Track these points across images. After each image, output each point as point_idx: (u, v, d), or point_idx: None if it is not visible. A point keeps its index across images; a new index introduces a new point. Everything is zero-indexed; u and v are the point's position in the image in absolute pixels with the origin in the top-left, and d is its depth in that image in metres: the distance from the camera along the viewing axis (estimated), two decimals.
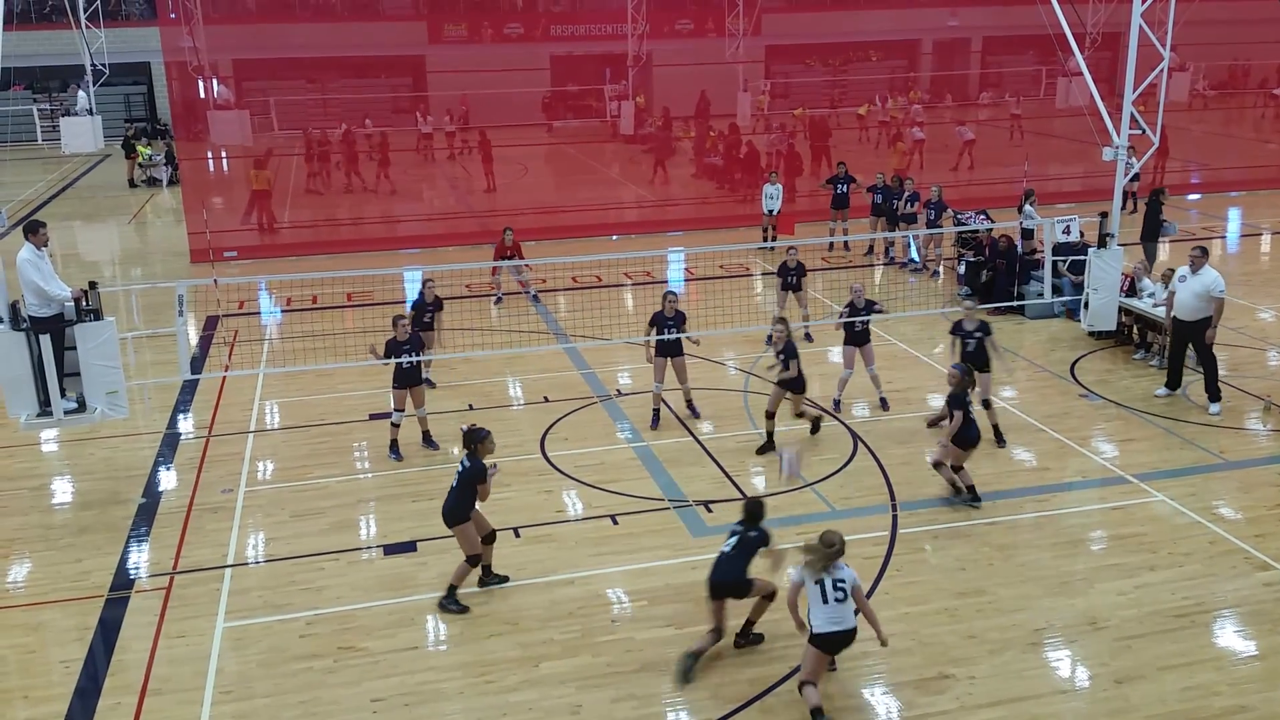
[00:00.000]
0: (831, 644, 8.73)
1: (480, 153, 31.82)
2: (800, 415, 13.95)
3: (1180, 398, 15.01)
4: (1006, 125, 38.95)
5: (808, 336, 17.76)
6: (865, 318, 14.89)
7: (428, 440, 13.90)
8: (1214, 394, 14.62)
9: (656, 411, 14.60)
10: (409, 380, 13.53)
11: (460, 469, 10.33)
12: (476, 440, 10.30)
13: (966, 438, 12.11)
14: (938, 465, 12.40)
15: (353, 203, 30.45)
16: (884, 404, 15.08)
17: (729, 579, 9.30)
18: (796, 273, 17.52)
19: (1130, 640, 9.67)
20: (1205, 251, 14.59)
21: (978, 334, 13.78)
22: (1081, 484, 12.77)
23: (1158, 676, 9.18)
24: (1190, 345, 14.74)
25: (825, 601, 8.61)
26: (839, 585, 8.62)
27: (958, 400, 12.00)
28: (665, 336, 14.21)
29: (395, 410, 13.68)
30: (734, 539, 9.42)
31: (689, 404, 14.75)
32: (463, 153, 36.61)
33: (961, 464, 12.23)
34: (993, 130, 39.27)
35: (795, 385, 13.55)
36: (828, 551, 8.61)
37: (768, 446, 13.67)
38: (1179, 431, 14.06)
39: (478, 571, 10.65)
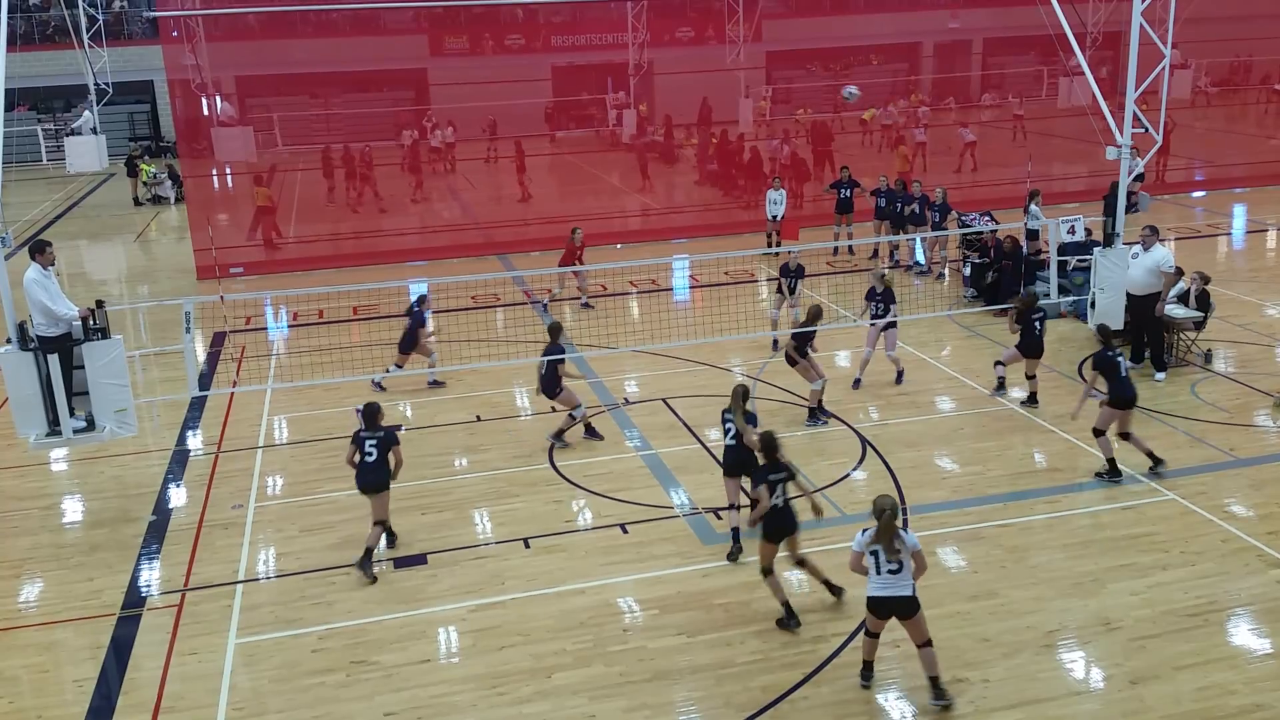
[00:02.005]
0: (880, 607, 8.83)
1: (516, 163, 31.94)
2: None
3: (1193, 397, 14.97)
4: (1009, 126, 38.93)
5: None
6: (881, 306, 15.58)
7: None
8: (1160, 364, 15.76)
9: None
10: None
11: (374, 442, 11.25)
12: (376, 413, 11.42)
13: (1122, 398, 12.43)
14: (1097, 433, 12.72)
15: (357, 217, 30.49)
16: (899, 378, 15.99)
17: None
18: (797, 274, 17.77)
19: (1144, 640, 9.64)
20: (1155, 230, 15.77)
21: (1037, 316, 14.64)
22: (1092, 484, 12.73)
23: (1172, 676, 9.15)
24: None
25: (879, 572, 8.75)
26: (894, 555, 8.70)
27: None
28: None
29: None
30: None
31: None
32: (489, 161, 36.86)
33: (1128, 429, 12.61)
34: (996, 131, 39.28)
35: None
36: (881, 521, 8.73)
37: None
38: (1189, 430, 14.02)
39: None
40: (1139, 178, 22.24)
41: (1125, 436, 12.65)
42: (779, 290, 17.91)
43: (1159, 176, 28.77)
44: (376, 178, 31.56)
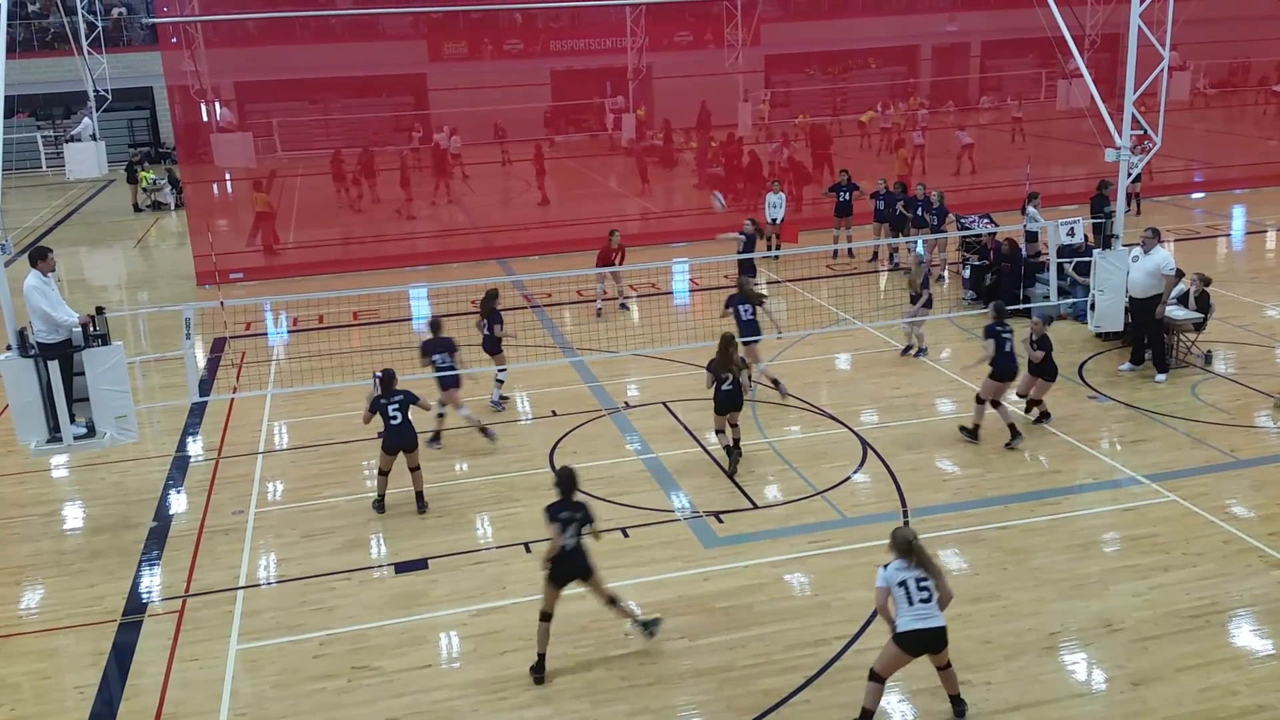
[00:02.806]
0: (916, 641, 8.33)
1: (535, 166, 31.90)
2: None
3: (1193, 398, 14.97)
4: (1008, 129, 38.95)
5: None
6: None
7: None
8: (1161, 365, 15.76)
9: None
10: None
11: (396, 406, 12.37)
12: (393, 378, 12.53)
13: (1004, 370, 13.69)
14: (979, 400, 13.91)
15: (357, 222, 30.51)
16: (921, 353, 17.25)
17: None
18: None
19: (1146, 642, 9.64)
20: (1156, 233, 15.71)
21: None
22: (1093, 486, 12.73)
23: (1175, 678, 9.14)
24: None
25: (911, 603, 8.32)
26: (923, 585, 8.32)
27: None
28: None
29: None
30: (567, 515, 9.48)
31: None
32: (503, 165, 36.92)
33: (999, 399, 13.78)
34: (995, 134, 39.29)
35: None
36: (915, 548, 8.37)
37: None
38: (1189, 431, 14.02)
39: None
40: (1137, 179, 22.27)
41: (996, 405, 13.79)
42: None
43: (1150, 178, 28.78)
44: (393, 182, 31.49)
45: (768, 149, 32.27)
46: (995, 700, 8.95)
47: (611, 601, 9.74)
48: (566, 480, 9.57)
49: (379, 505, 12.81)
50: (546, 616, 9.48)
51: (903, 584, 8.35)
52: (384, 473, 12.79)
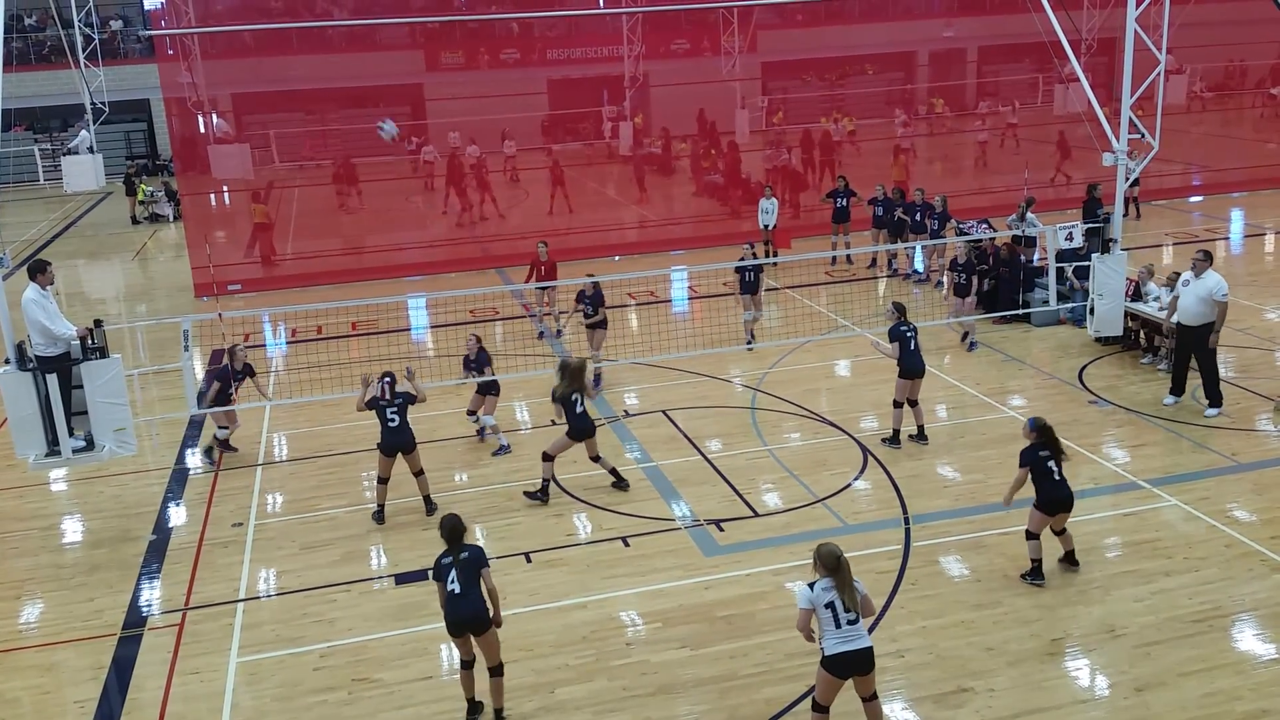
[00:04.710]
0: (844, 665, 8.03)
1: (551, 176, 31.36)
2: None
3: (1192, 402, 14.94)
4: (1007, 134, 38.93)
5: (749, 345, 18.23)
6: (964, 275, 17.57)
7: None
8: (1214, 399, 14.57)
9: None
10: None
11: (395, 410, 12.57)
12: (394, 382, 12.75)
13: (910, 369, 13.99)
14: (896, 404, 14.12)
15: (355, 233, 30.51)
16: (971, 344, 17.58)
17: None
18: (753, 270, 18.14)
19: (1149, 647, 9.61)
20: (1209, 255, 14.44)
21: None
22: (1094, 491, 12.70)
23: (1178, 683, 9.11)
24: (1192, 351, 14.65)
25: (839, 625, 7.99)
26: (849, 606, 8.00)
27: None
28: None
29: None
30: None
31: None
32: (513, 178, 36.84)
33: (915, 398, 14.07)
34: (993, 138, 39.25)
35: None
36: (841, 566, 8.04)
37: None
38: (1190, 435, 14.00)
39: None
40: (1135, 183, 22.27)
41: (913, 404, 14.05)
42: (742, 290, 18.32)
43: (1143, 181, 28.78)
44: (392, 192, 31.29)
45: (762, 155, 32.25)
46: (998, 707, 8.92)
47: (495, 672, 8.97)
48: (451, 531, 8.91)
49: (379, 516, 12.78)
50: (466, 664, 8.98)
51: (830, 605, 7.99)
52: (383, 480, 12.79)
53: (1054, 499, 10.50)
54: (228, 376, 14.59)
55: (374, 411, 12.73)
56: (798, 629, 8.30)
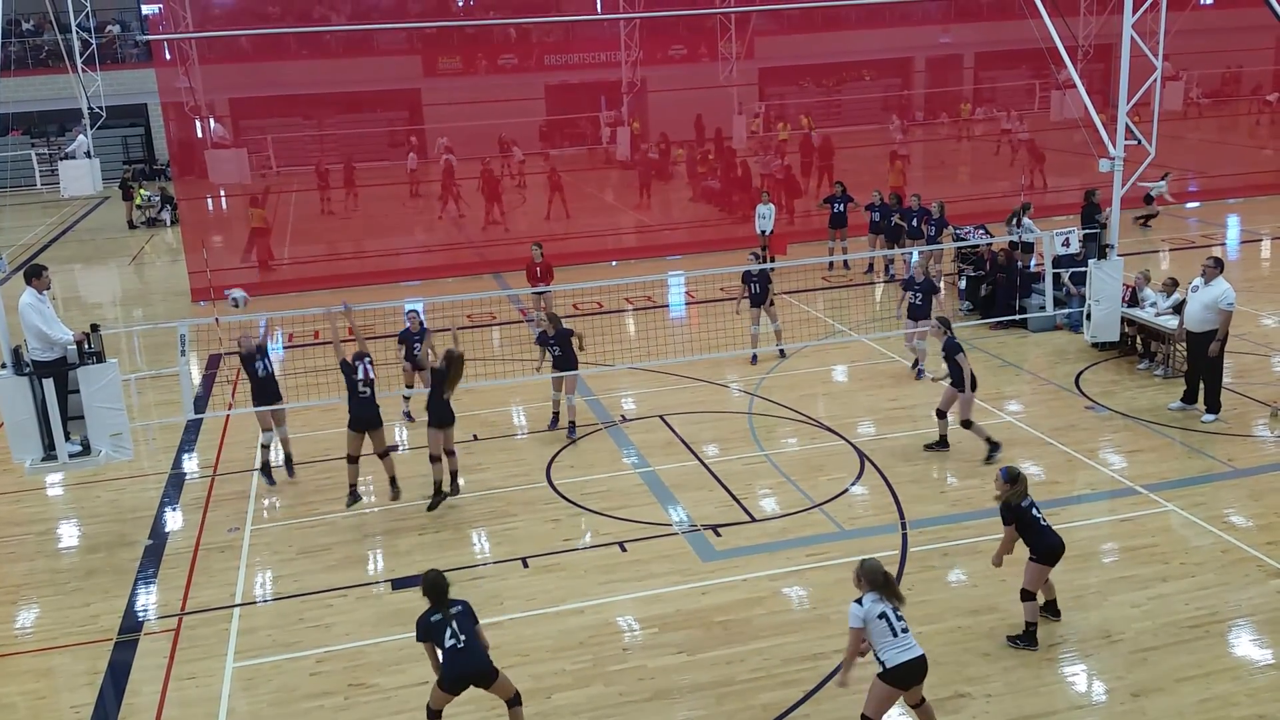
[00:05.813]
0: (909, 674, 7.99)
1: (550, 182, 31.21)
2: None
3: (1194, 410, 14.91)
4: (1005, 140, 39.00)
5: (781, 354, 17.97)
6: (921, 295, 16.46)
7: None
8: (1213, 405, 14.53)
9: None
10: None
11: (368, 386, 12.81)
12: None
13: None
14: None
15: (352, 237, 30.50)
16: (919, 371, 16.80)
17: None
18: (760, 280, 17.45)
19: (1146, 652, 9.61)
20: (1219, 262, 14.35)
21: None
22: (1091, 496, 12.71)
23: (1175, 688, 9.12)
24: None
25: (895, 635, 7.95)
26: (900, 614, 8.02)
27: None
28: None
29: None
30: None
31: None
32: (519, 184, 36.82)
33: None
34: (989, 144, 39.34)
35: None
36: (885, 578, 8.05)
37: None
38: (1187, 441, 14.02)
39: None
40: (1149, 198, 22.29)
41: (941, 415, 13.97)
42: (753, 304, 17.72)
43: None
44: (390, 197, 31.24)
45: (758, 160, 32.27)
46: (995, 713, 8.92)
47: (513, 702, 8.71)
48: (432, 587, 8.55)
49: (354, 496, 13.12)
50: (434, 715, 8.67)
51: (883, 615, 7.96)
52: (353, 459, 13.06)
53: (1052, 546, 9.68)
54: (250, 358, 13.98)
55: (346, 384, 12.93)
56: (847, 656, 8.17)
